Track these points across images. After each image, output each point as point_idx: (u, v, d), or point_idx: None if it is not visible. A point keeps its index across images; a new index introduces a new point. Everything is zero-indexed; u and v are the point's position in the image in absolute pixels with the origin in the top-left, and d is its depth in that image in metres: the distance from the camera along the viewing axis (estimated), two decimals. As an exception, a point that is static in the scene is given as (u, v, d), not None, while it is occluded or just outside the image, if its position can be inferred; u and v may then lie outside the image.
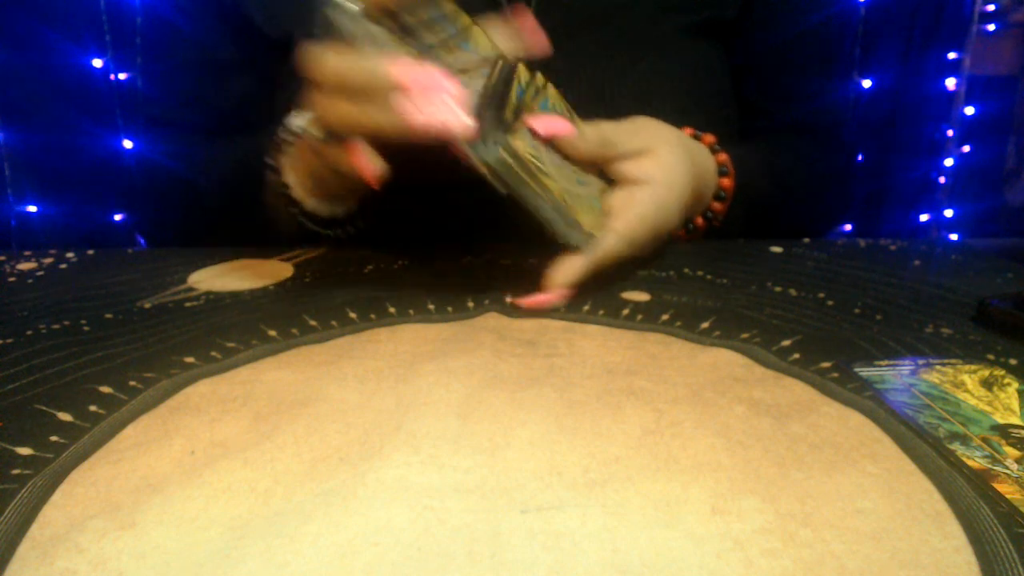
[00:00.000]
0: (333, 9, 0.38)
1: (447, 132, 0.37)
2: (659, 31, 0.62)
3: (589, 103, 0.48)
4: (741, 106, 0.68)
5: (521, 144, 0.40)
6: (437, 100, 0.36)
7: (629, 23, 0.62)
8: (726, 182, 0.55)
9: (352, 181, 0.48)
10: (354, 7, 0.38)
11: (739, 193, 0.56)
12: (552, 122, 0.43)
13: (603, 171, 0.47)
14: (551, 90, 0.44)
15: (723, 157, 0.56)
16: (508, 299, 0.43)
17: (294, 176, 0.50)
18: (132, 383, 0.33)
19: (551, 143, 0.43)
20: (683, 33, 0.63)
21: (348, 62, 0.37)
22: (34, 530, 0.23)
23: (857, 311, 0.42)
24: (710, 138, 0.56)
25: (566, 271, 0.43)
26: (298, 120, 0.44)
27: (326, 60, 0.38)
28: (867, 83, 1.31)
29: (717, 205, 0.56)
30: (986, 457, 0.27)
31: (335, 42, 0.39)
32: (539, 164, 0.41)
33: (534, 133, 0.42)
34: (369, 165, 0.39)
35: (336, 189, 0.50)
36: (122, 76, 1.13)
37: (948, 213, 1.48)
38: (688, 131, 0.55)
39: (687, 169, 0.48)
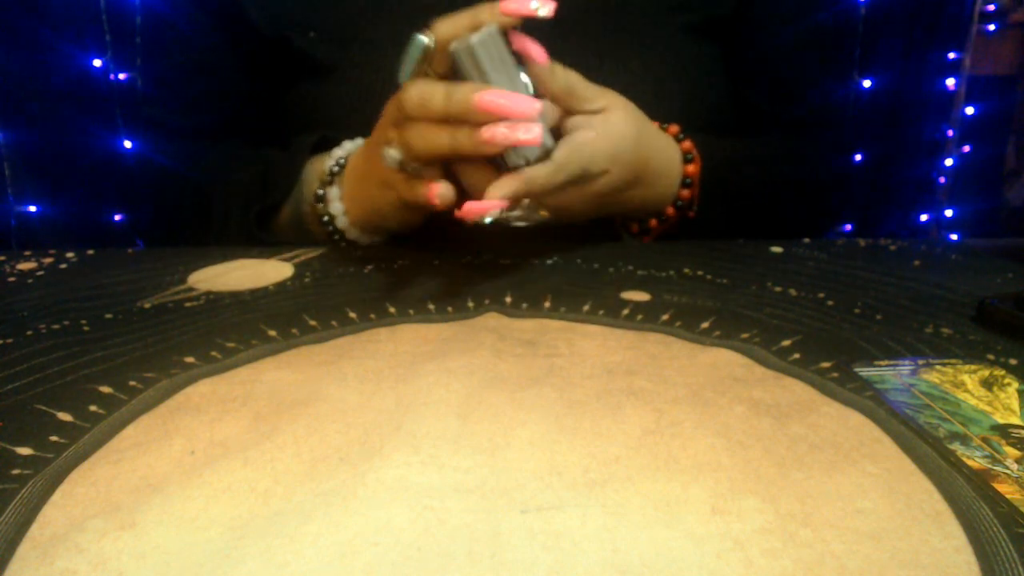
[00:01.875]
0: (476, 42, 0.42)
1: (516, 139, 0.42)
2: (657, 30, 0.63)
3: None
4: (740, 106, 0.68)
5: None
6: (519, 122, 0.41)
7: (626, 22, 0.62)
8: (691, 168, 0.56)
9: (410, 213, 0.51)
10: (492, 29, 0.42)
11: (709, 181, 0.56)
12: (531, 43, 0.45)
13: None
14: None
15: (687, 145, 0.56)
16: (455, 213, 0.43)
17: (342, 206, 0.53)
18: (132, 383, 0.33)
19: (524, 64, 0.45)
20: (681, 32, 0.63)
21: (442, 93, 0.42)
22: (34, 530, 0.23)
23: (857, 311, 0.42)
24: (675, 128, 0.57)
25: (510, 182, 0.44)
26: (393, 151, 0.45)
27: (424, 93, 0.43)
28: (867, 83, 1.31)
29: (684, 192, 0.56)
30: (986, 457, 0.27)
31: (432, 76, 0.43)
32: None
33: (509, 45, 0.44)
34: (443, 192, 0.44)
35: (392, 223, 0.53)
36: (122, 76, 1.12)
37: (948, 213, 1.48)
38: (654, 124, 0.55)
39: (634, 133, 0.50)
